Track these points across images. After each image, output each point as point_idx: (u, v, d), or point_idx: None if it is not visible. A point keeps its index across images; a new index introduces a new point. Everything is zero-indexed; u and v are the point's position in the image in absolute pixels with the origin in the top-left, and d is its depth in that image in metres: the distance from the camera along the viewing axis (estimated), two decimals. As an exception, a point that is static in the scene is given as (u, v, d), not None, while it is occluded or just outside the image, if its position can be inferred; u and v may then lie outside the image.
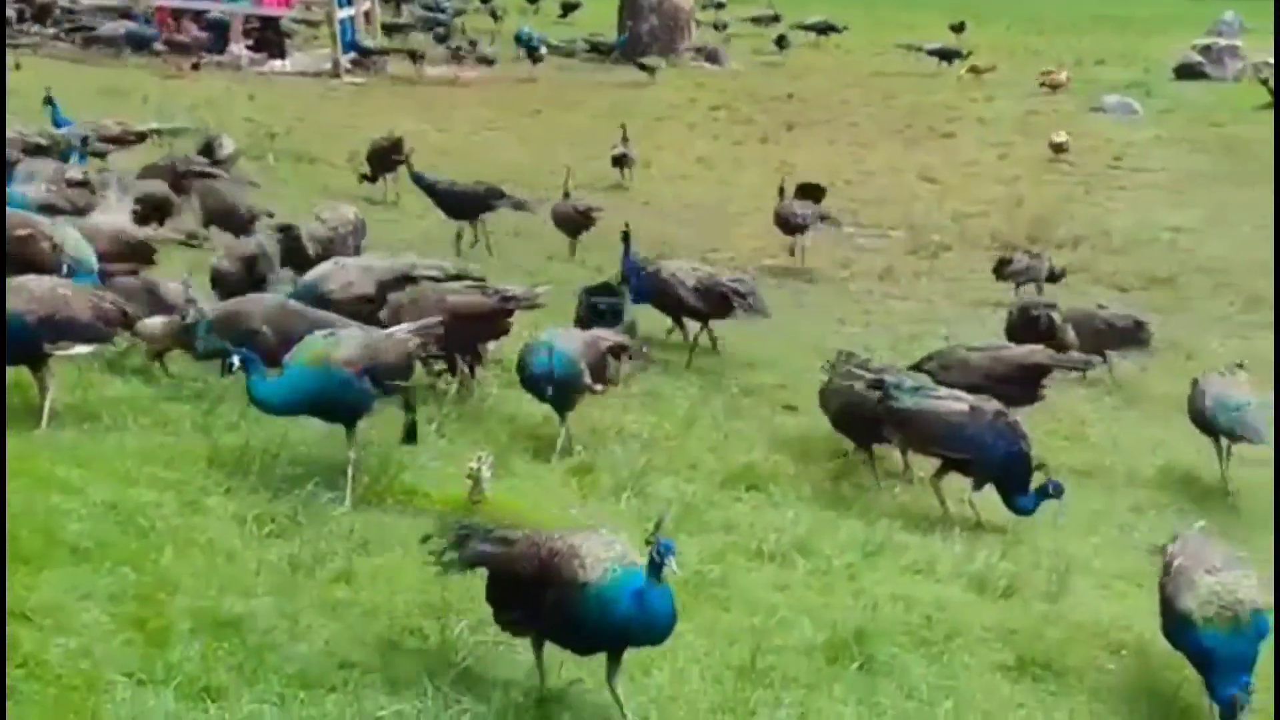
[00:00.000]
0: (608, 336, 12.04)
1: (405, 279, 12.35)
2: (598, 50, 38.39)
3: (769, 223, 22.58)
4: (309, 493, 9.56)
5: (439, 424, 11.25)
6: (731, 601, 9.23)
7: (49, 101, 19.38)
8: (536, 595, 7.36)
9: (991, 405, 11.89)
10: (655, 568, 7.05)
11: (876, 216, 24.51)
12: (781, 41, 41.98)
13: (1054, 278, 19.32)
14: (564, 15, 46.94)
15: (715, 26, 45.32)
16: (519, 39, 38.47)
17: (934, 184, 27.04)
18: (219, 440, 10.23)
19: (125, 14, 36.14)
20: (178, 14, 35.91)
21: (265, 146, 21.42)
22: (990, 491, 11.63)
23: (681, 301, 15.31)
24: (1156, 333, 16.59)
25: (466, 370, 12.39)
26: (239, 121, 24.65)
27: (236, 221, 15.85)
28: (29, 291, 10.19)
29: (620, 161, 25.33)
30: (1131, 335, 16.33)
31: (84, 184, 14.66)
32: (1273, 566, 10.03)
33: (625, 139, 25.45)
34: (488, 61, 37.12)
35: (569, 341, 11.55)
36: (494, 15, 45.59)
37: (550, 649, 7.50)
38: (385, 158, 22.05)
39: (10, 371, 10.11)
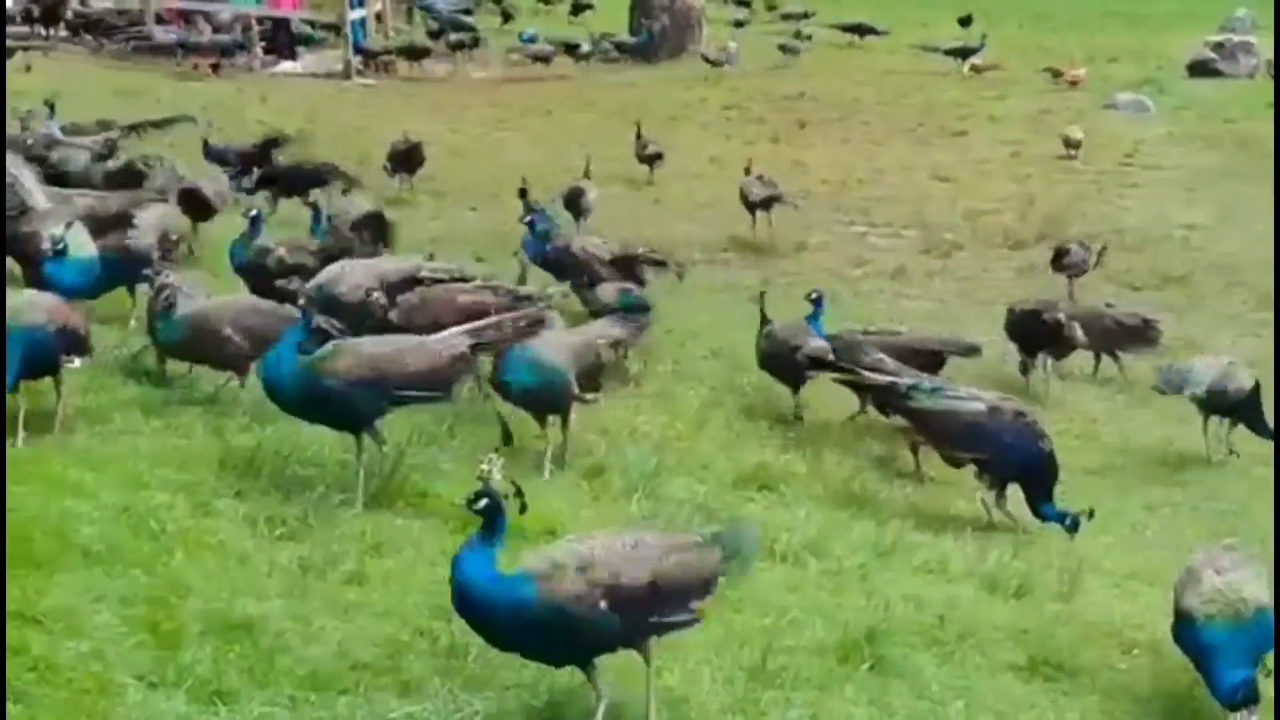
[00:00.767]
0: (608, 334, 11.94)
1: (414, 281, 12.35)
2: (621, 50, 38.20)
3: (781, 223, 22.61)
4: (320, 495, 9.59)
5: (450, 425, 11.25)
6: (743, 602, 9.21)
7: (50, 105, 19.41)
8: None
9: (1011, 405, 11.89)
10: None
11: (889, 215, 24.49)
12: (798, 36, 41.77)
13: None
14: (575, 14, 46.81)
15: (737, 24, 44.87)
16: (522, 39, 38.43)
17: (946, 182, 27.00)
18: (230, 443, 10.26)
19: (134, 21, 36.04)
20: (188, 15, 35.97)
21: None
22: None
23: (597, 275, 15.38)
24: (1167, 331, 16.56)
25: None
26: (251, 123, 24.64)
27: None
28: (42, 304, 10.25)
29: (650, 159, 25.36)
30: (1140, 334, 16.30)
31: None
32: (1273, 568, 10.04)
33: (638, 135, 25.47)
34: (544, 59, 37.04)
35: (554, 349, 11.22)
36: (505, 15, 45.55)
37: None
38: (404, 159, 22.52)
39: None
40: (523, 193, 18.27)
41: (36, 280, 11.96)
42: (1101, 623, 9.74)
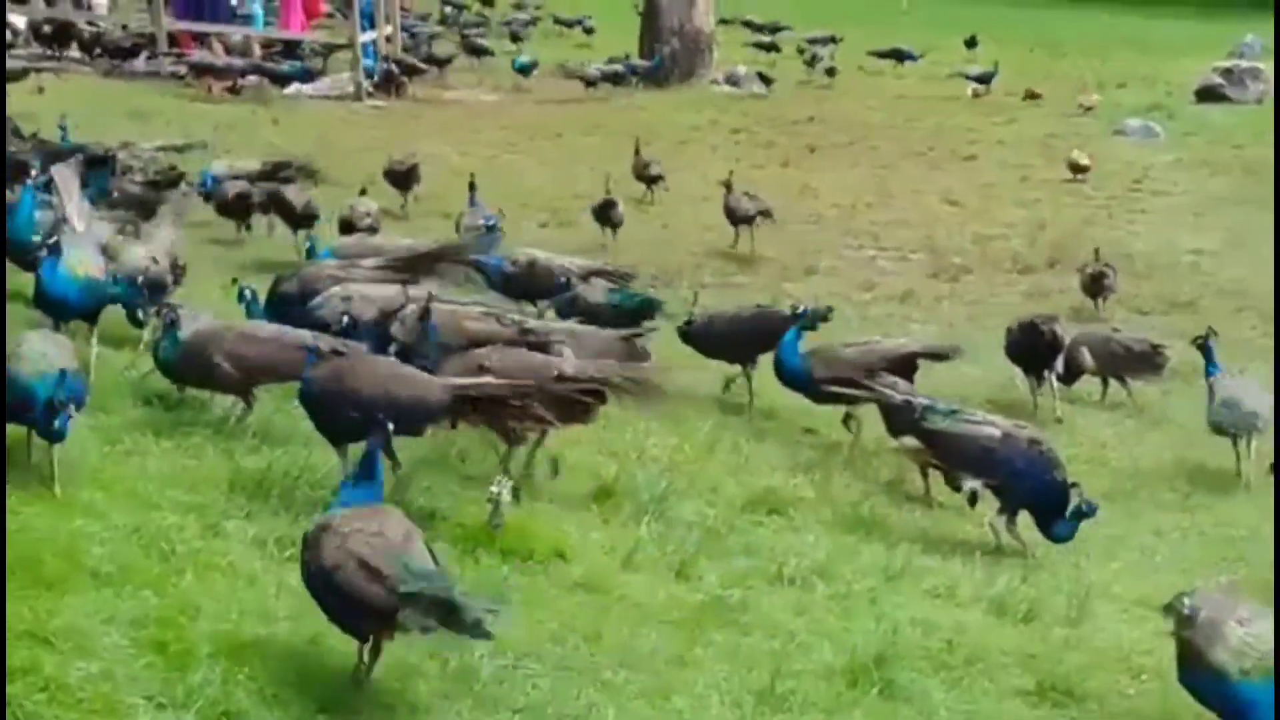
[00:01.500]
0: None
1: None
2: (635, 74, 38.01)
3: (790, 247, 22.68)
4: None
5: (459, 448, 11.27)
6: (752, 625, 9.24)
7: (62, 127, 19.49)
8: None
9: (1026, 431, 11.90)
10: None
11: (898, 239, 24.49)
12: (812, 63, 41.68)
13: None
14: (589, 35, 46.81)
15: (763, 47, 44.38)
16: (515, 66, 38.17)
17: (955, 207, 27.00)
18: (240, 463, 10.28)
19: (146, 39, 36.04)
20: (202, 37, 36.05)
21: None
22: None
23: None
24: (1175, 357, 16.54)
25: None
26: (262, 145, 24.69)
27: None
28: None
29: (650, 180, 25.43)
30: (1147, 359, 16.27)
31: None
32: (1273, 570, 10.03)
33: (636, 152, 25.57)
34: (590, 82, 36.98)
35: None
36: (514, 38, 45.62)
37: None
38: (401, 178, 23.01)
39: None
40: (471, 186, 18.76)
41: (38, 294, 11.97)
42: (1110, 648, 9.73)
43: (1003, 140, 33.18)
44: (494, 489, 9.86)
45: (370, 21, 35.86)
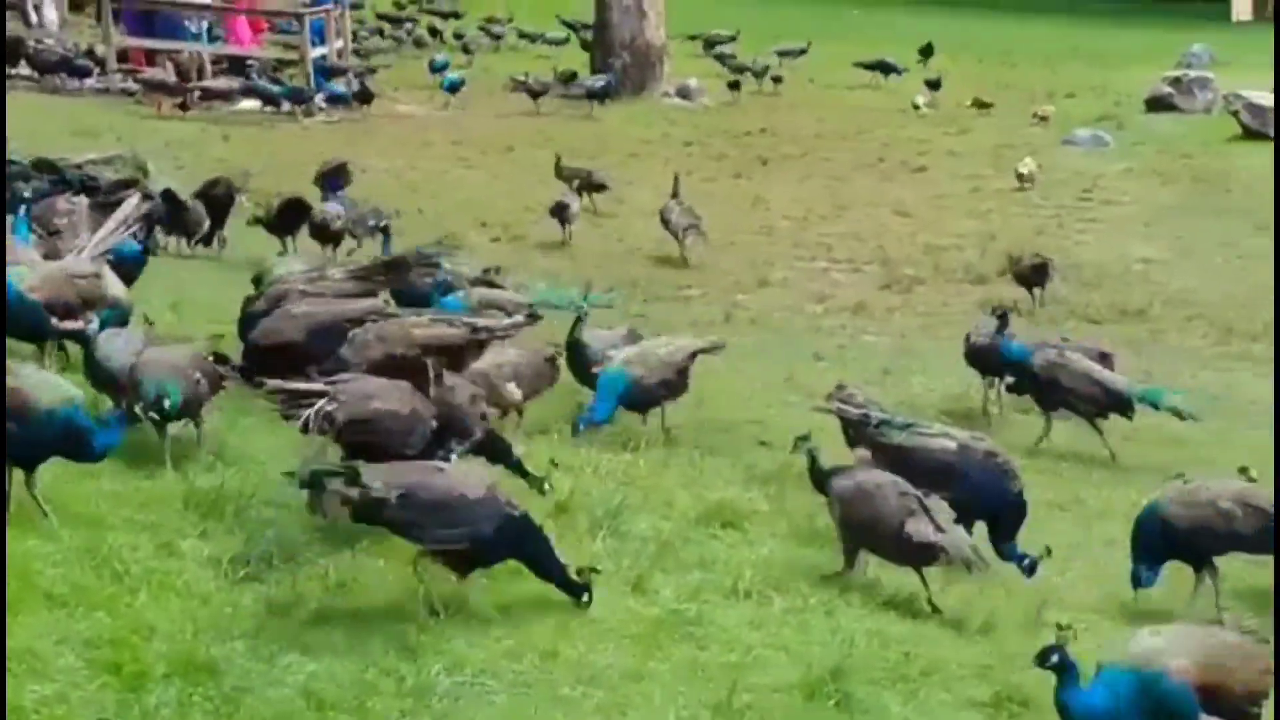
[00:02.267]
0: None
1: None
2: (591, 95, 37.53)
3: (742, 259, 22.77)
4: (284, 535, 9.57)
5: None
6: (708, 640, 9.24)
7: None
8: None
9: (983, 444, 11.89)
10: None
11: (850, 251, 24.59)
12: (762, 74, 41.56)
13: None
14: (556, 47, 46.50)
15: (722, 61, 43.84)
16: (444, 86, 37.46)
17: (907, 218, 27.12)
18: (194, 482, 10.23)
19: (90, 53, 35.80)
20: (151, 54, 35.90)
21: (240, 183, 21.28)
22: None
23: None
24: (1128, 365, 16.61)
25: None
26: (213, 161, 24.64)
27: None
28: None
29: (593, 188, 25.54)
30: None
31: None
32: (1273, 572, 10.06)
33: (558, 164, 25.80)
34: (535, 94, 36.73)
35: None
36: (466, 50, 45.55)
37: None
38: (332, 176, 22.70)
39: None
40: (331, 180, 19.71)
41: None
42: (1087, 656, 9.73)
43: (954, 151, 33.33)
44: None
45: (321, 37, 35.80)
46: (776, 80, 41.19)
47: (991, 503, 11.45)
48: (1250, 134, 34.23)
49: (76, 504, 9.62)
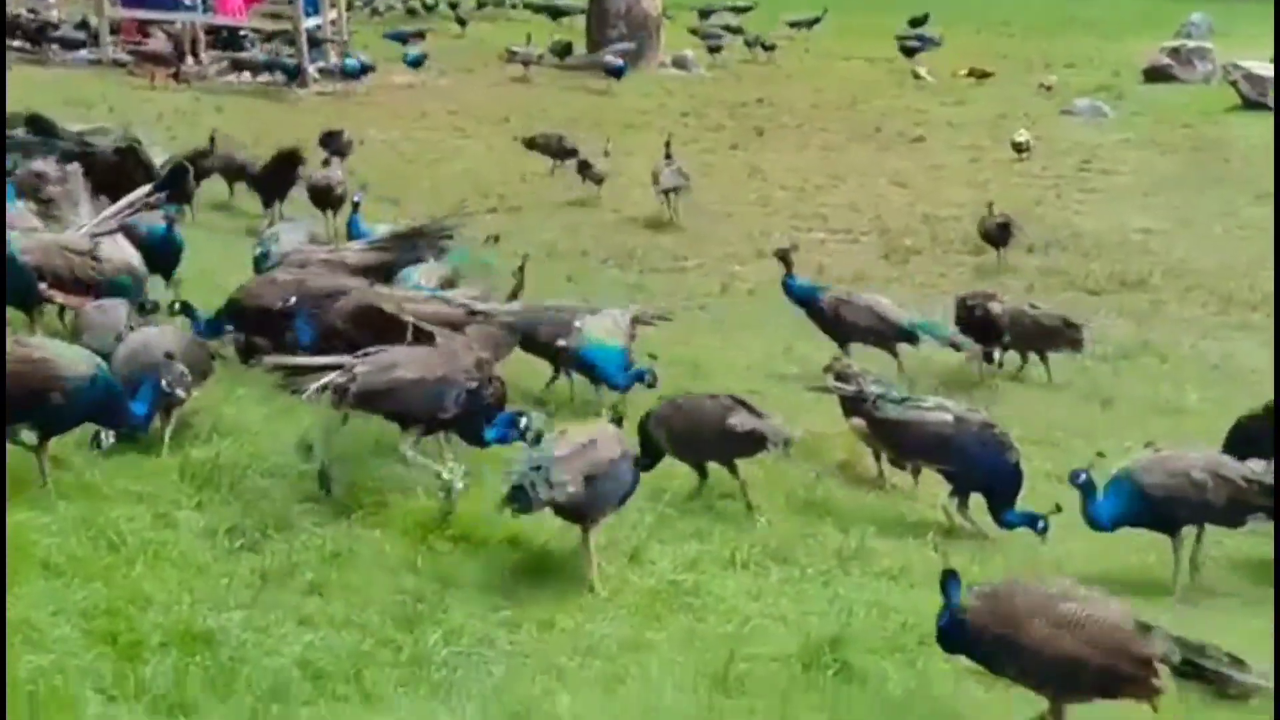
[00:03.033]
0: None
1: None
2: (608, 71, 37.30)
3: (739, 230, 22.73)
4: (279, 506, 9.55)
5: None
6: (705, 610, 9.23)
7: None
8: None
9: (978, 416, 11.89)
10: None
11: (847, 221, 24.53)
12: (754, 44, 41.53)
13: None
14: (555, 19, 46.18)
15: (702, 38, 43.15)
16: (345, 70, 36.64)
17: (904, 188, 27.06)
18: (189, 453, 10.20)
19: (83, 24, 35.66)
20: (145, 25, 35.74)
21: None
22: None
23: None
24: (1127, 336, 16.60)
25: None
26: (206, 132, 24.53)
27: None
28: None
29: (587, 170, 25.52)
30: (1061, 335, 16.38)
31: None
32: (1273, 571, 10.04)
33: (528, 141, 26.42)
34: (526, 63, 36.77)
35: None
36: (460, 21, 45.35)
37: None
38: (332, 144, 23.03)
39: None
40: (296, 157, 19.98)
41: None
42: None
43: (951, 121, 33.24)
44: (445, 475, 9.82)
45: (315, 7, 35.62)
46: (768, 48, 41.23)
47: (988, 474, 11.46)
48: (1249, 104, 34.17)
49: (72, 475, 9.58)
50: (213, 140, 20.69)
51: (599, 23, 39.10)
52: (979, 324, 16.06)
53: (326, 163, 20.62)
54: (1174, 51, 39.41)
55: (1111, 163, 29.29)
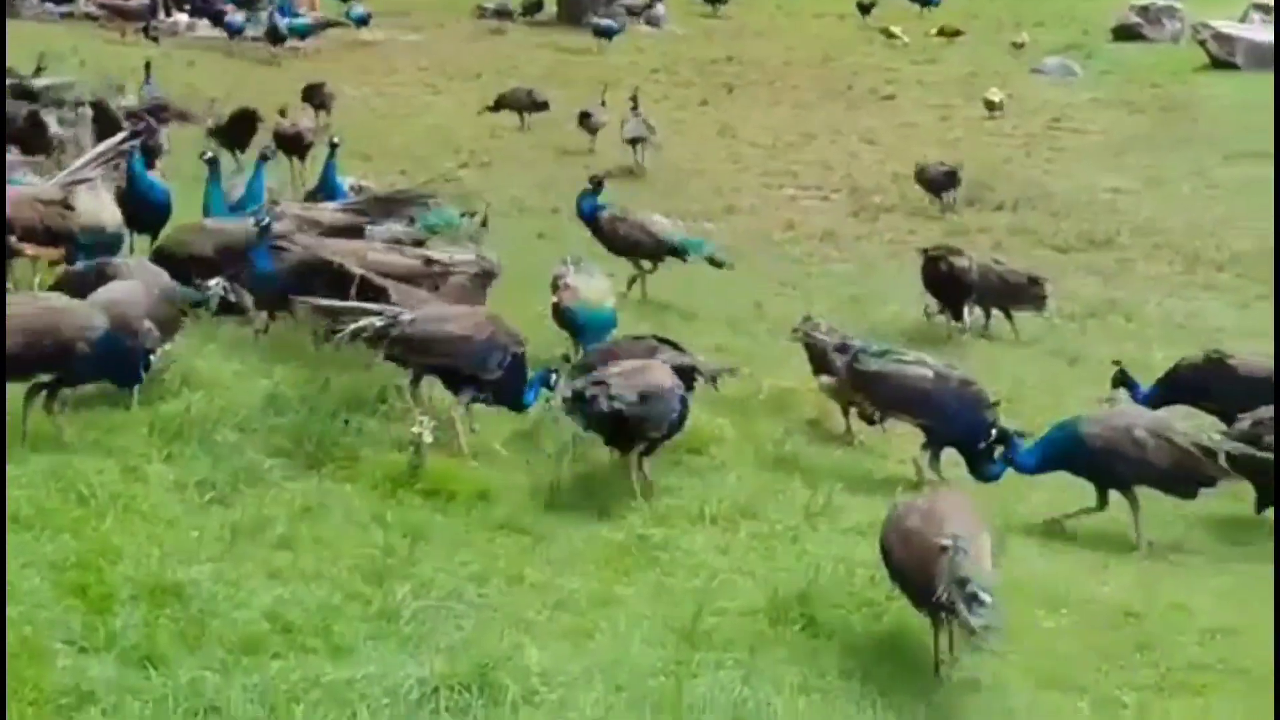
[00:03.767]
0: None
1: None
2: (598, 33, 37.31)
3: (710, 186, 22.74)
4: (249, 460, 9.57)
5: (380, 390, 11.21)
6: (674, 565, 9.27)
7: None
8: None
9: (957, 373, 11.91)
10: None
11: (818, 178, 24.58)
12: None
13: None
14: None
15: None
16: (351, 17, 36.27)
17: (875, 146, 27.10)
18: (159, 407, 10.20)
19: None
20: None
21: (207, 112, 21.20)
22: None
23: None
24: (1095, 294, 16.66)
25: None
26: (182, 86, 24.46)
27: None
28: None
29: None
30: (1024, 292, 16.45)
31: None
32: (1273, 570, 10.10)
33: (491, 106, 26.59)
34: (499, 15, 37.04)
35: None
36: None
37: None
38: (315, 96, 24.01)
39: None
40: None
41: None
42: (1028, 582, 9.77)
43: (922, 80, 33.26)
44: (415, 429, 9.84)
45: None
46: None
47: (965, 430, 11.48)
48: (1217, 63, 34.28)
49: (41, 428, 9.58)
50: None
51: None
52: (945, 279, 16.09)
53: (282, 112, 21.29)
54: (1143, 9, 39.45)
55: (1081, 122, 29.38)
